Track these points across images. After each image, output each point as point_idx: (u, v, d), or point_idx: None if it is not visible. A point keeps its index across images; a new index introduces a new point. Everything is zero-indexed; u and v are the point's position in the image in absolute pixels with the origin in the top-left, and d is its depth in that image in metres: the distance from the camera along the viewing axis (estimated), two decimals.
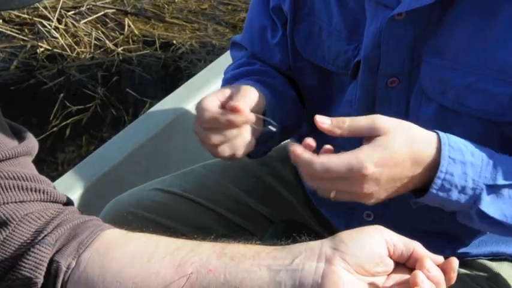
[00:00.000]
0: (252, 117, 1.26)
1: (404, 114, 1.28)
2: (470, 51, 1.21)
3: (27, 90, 3.55)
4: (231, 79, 1.47)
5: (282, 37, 1.46)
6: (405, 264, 0.92)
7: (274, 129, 1.29)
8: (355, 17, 1.33)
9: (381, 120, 1.14)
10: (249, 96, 1.28)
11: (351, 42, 1.34)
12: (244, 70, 1.49)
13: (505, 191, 1.17)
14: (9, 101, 3.40)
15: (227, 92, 1.29)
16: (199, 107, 1.28)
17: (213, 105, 1.26)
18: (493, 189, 1.17)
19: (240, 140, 1.27)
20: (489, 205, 1.17)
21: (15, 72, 3.64)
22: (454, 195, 1.16)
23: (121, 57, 3.80)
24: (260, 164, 1.63)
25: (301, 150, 1.14)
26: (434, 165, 1.15)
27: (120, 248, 0.96)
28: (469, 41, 1.21)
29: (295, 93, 1.48)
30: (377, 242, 0.89)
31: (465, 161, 1.16)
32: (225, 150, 1.27)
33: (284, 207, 1.61)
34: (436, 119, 1.26)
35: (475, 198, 1.17)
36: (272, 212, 1.60)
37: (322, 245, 0.90)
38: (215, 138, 1.26)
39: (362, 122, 1.14)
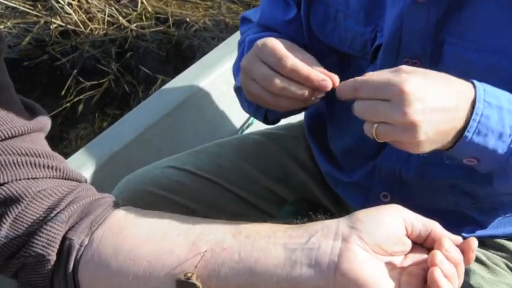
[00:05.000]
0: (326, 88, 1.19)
1: None
2: (491, 34, 1.19)
3: (40, 66, 3.55)
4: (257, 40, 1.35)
5: (296, 16, 1.42)
6: (423, 244, 0.90)
7: None
8: None
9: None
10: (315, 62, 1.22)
11: (368, 24, 1.32)
12: (268, 34, 1.38)
13: None
14: (22, 76, 3.40)
15: (291, 50, 1.21)
16: (273, 47, 1.20)
17: (292, 55, 1.19)
18: None
19: (293, 101, 1.21)
20: None
21: (29, 48, 3.64)
22: (491, 141, 1.09)
23: (134, 34, 3.78)
24: (274, 143, 1.61)
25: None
26: (471, 108, 1.09)
27: (133, 226, 0.95)
28: (490, 24, 1.19)
29: None
30: (395, 221, 0.88)
31: (502, 107, 1.10)
32: (271, 100, 1.21)
33: (299, 187, 1.59)
34: None
35: None
36: (286, 191, 1.58)
37: (339, 224, 0.88)
38: (280, 85, 1.19)
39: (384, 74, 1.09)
